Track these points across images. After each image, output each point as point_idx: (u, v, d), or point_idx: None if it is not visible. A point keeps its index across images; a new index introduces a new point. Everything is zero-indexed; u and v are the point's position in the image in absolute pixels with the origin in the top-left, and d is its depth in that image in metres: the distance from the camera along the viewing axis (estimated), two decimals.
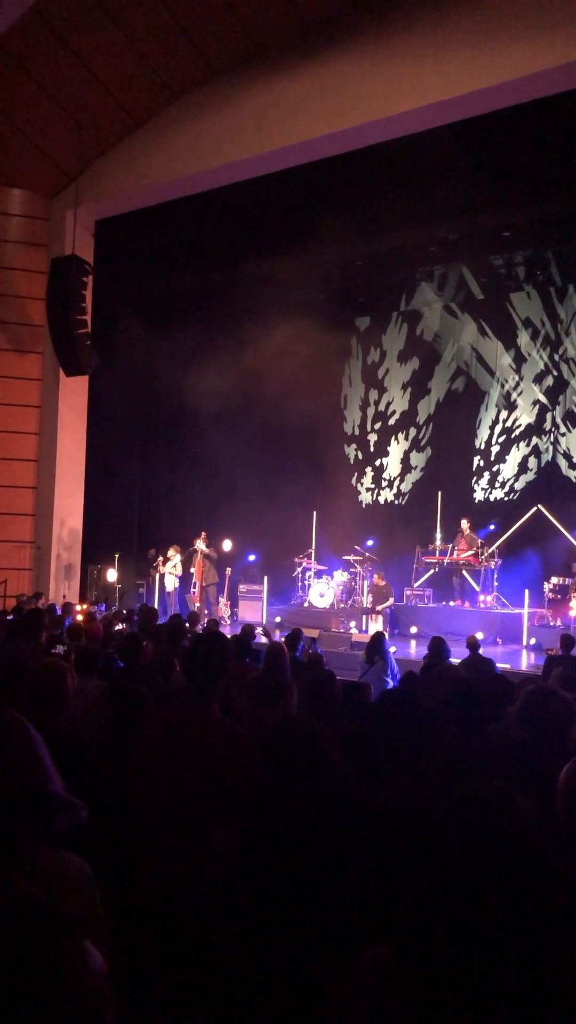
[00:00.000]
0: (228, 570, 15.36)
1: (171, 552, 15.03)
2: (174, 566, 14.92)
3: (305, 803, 1.36)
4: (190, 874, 1.85)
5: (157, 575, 15.16)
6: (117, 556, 15.46)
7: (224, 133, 12.50)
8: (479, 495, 16.22)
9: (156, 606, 13.53)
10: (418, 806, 2.33)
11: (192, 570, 14.89)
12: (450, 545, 14.53)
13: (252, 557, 16.36)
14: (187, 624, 10.23)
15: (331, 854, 1.44)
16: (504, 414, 16.06)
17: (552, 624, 12.96)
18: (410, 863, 1.24)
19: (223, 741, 2.53)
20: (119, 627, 9.63)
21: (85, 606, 12.92)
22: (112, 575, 15.35)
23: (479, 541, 14.24)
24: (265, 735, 1.65)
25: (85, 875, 1.87)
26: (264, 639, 8.81)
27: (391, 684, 7.96)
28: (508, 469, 15.99)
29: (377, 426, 17.55)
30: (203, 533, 15.00)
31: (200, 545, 14.83)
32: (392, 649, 9.41)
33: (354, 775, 2.54)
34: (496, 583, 14.02)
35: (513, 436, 15.97)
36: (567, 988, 1.11)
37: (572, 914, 1.20)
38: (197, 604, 14.56)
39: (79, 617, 10.19)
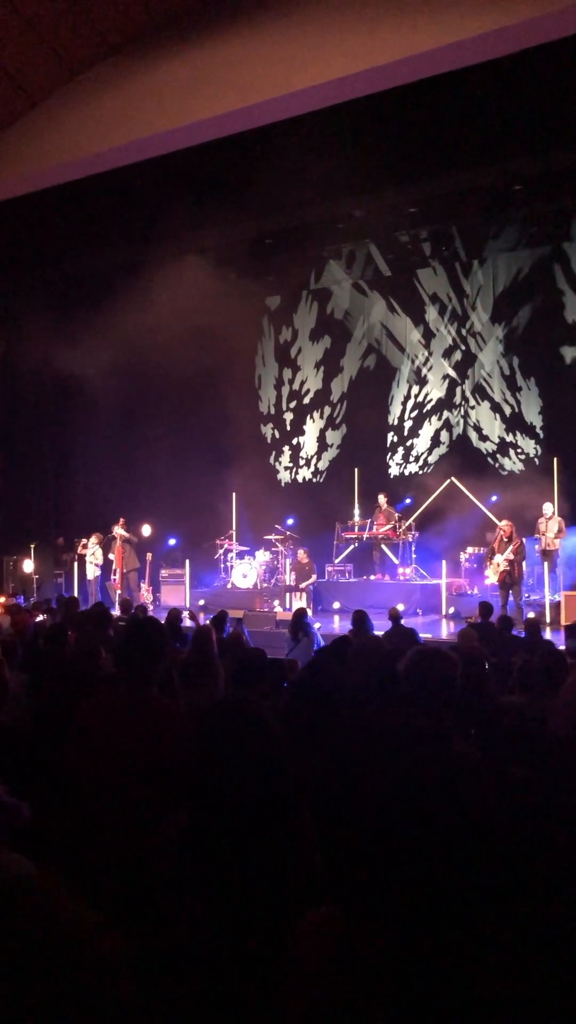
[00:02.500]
0: (149, 555, 15.22)
1: (92, 540, 14.78)
2: (93, 553, 14.70)
3: (249, 778, 1.38)
4: (142, 860, 1.85)
5: (75, 563, 14.92)
6: (33, 546, 15.16)
7: (124, 111, 12.23)
8: (394, 470, 16.47)
9: (77, 595, 13.35)
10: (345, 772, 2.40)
11: (112, 557, 14.69)
12: (368, 520, 14.75)
13: (172, 541, 16.26)
14: (120, 612, 10.15)
15: (278, 825, 1.46)
16: (415, 389, 16.32)
17: (469, 593, 13.31)
18: (356, 826, 1.28)
19: (166, 723, 2.53)
20: (40, 618, 9.47)
21: (3, 599, 12.64)
22: (29, 565, 15.05)
23: (396, 515, 14.50)
24: (205, 714, 1.67)
25: (32, 874, 1.84)
26: (191, 622, 8.80)
27: None
28: (421, 443, 16.27)
29: (292, 405, 17.60)
30: (121, 519, 14.81)
31: (119, 531, 14.64)
32: (316, 625, 9.53)
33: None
34: (414, 555, 14.32)
35: (425, 411, 16.25)
36: (502, 939, 1.17)
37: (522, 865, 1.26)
38: (119, 591, 14.40)
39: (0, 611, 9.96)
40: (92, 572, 14.68)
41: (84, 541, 14.80)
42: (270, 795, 1.37)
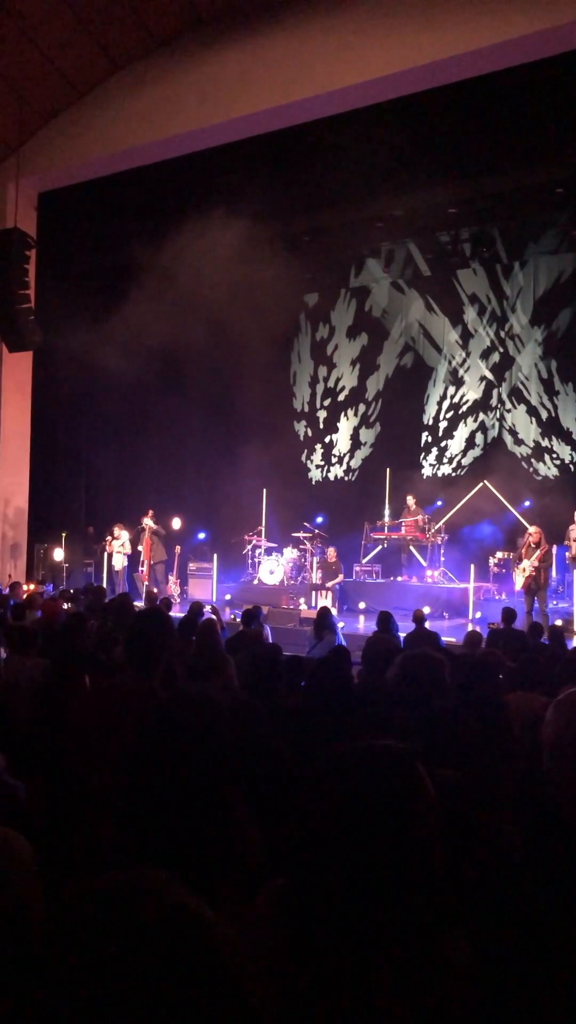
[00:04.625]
0: (177, 548, 15.30)
1: (116, 530, 14.87)
2: (122, 544, 14.79)
3: (181, 770, 1.40)
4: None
5: (105, 554, 15.04)
6: (64, 535, 15.31)
7: (167, 105, 12.31)
8: (427, 471, 16.38)
9: (104, 585, 13.46)
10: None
11: (140, 548, 14.78)
12: (398, 521, 14.68)
13: (202, 535, 16.33)
14: (145, 603, 10.22)
15: (207, 815, 1.48)
16: (451, 390, 16.21)
17: (497, 598, 13.19)
18: (298, 811, 1.32)
19: None
20: (66, 606, 9.57)
21: (32, 586, 12.79)
22: (59, 554, 15.20)
23: (426, 517, 14.41)
24: (155, 705, 1.68)
25: (27, 852, 1.85)
26: (213, 617, 8.81)
27: None
28: (455, 445, 16.16)
29: (327, 403, 17.58)
30: (150, 511, 14.90)
31: (148, 522, 14.73)
32: (340, 624, 9.51)
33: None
34: (443, 558, 14.21)
35: (460, 412, 16.13)
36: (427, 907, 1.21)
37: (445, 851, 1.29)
38: (146, 582, 14.49)
39: (24, 596, 10.08)
40: (120, 563, 14.78)
41: (110, 538, 14.88)
42: (201, 788, 1.39)
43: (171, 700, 1.56)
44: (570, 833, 2.07)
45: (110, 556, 14.87)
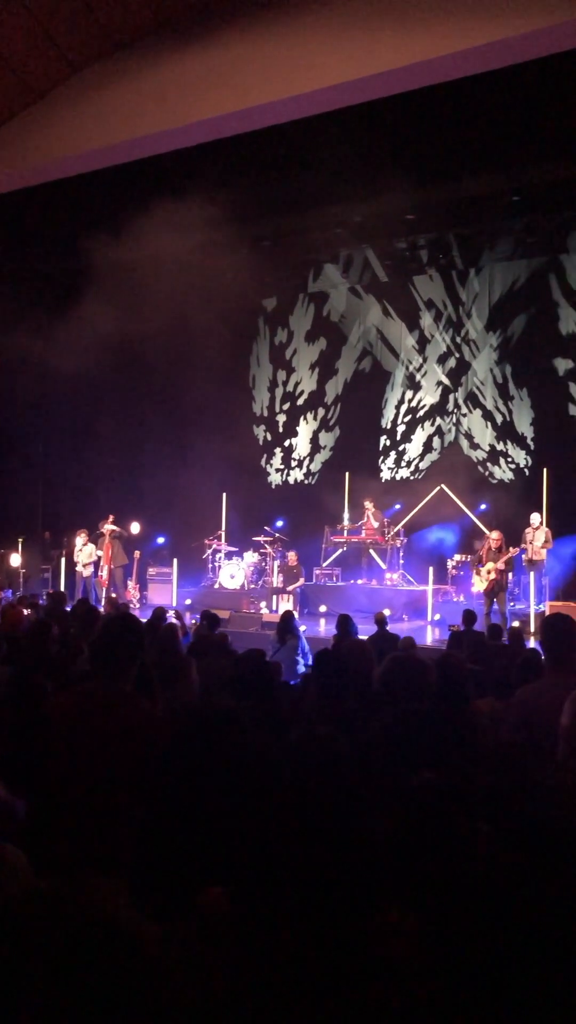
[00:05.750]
0: (137, 553, 15.20)
1: (81, 538, 14.67)
2: (84, 551, 14.63)
3: (218, 778, 1.42)
4: (112, 851, 1.87)
5: (62, 559, 14.87)
6: (21, 540, 15.11)
7: (125, 109, 12.23)
8: (386, 474, 16.50)
9: (64, 590, 13.32)
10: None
11: (99, 553, 14.66)
12: (359, 524, 14.79)
13: (161, 539, 16.25)
14: (107, 608, 10.13)
15: (237, 826, 1.50)
16: (409, 394, 16.36)
17: (455, 600, 13.35)
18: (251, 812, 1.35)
19: (136, 721, 2.54)
20: (26, 612, 9.44)
21: None
22: (16, 560, 15.00)
23: (385, 520, 14.54)
24: (184, 716, 1.69)
25: (24, 864, 1.85)
26: (176, 622, 8.78)
27: (302, 662, 8.08)
28: (413, 449, 16.31)
29: (286, 407, 17.62)
30: (110, 516, 14.78)
31: (108, 527, 14.61)
32: (302, 628, 9.54)
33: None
34: (402, 561, 14.35)
35: (418, 416, 16.28)
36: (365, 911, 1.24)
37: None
38: (105, 587, 14.37)
39: None
40: (87, 570, 14.59)
41: (78, 543, 14.65)
42: (235, 799, 1.41)
43: (200, 715, 1.57)
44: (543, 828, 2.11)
45: (76, 563, 14.69)
